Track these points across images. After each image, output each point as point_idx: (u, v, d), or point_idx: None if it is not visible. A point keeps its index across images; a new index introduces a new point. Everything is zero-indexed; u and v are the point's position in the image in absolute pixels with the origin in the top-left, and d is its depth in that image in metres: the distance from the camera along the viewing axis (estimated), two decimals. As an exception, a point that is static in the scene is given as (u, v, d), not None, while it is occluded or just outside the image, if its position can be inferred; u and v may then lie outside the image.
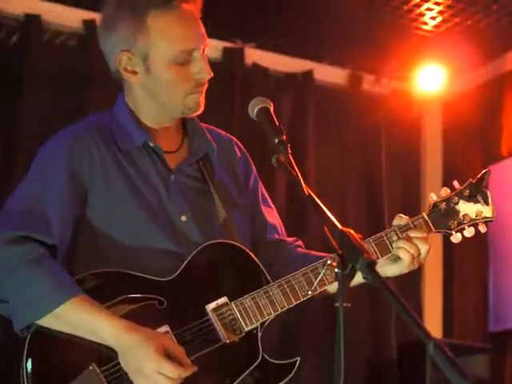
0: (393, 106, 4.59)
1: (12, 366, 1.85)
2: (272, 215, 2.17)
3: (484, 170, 2.08)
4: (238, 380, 1.88)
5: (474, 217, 2.05)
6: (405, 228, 1.98)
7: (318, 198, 1.66)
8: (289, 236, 2.21)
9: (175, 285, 1.89)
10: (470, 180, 2.09)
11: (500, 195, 4.31)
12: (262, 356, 1.89)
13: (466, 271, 4.48)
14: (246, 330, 1.87)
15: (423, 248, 1.95)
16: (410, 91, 4.63)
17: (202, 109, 2.01)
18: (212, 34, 4.52)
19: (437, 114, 4.81)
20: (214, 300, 1.87)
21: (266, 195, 2.19)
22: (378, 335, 4.29)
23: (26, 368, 1.78)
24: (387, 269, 1.96)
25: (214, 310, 1.87)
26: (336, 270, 1.46)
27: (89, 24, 3.88)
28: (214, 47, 4.16)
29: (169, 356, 1.78)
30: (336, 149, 4.48)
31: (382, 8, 3.95)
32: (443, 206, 2.03)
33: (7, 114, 3.70)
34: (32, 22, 3.77)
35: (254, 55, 4.27)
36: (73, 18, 3.88)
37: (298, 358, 1.92)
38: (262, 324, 1.91)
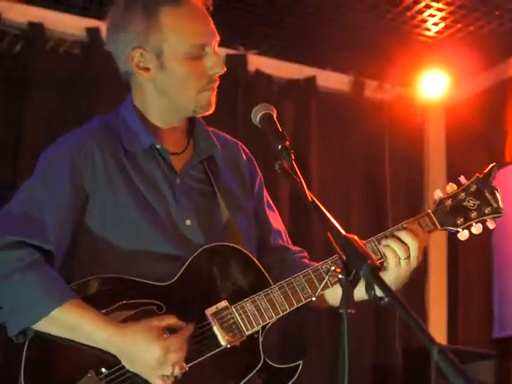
0: (396, 112, 4.59)
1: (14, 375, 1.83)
2: (276, 220, 2.16)
3: (491, 165, 2.02)
4: None
5: (482, 213, 1.99)
6: (394, 229, 1.93)
7: (322, 204, 1.66)
8: (292, 242, 2.20)
9: (174, 289, 1.87)
10: (477, 175, 2.02)
11: (504, 201, 4.31)
12: (264, 360, 1.88)
13: (471, 277, 4.48)
14: (247, 333, 1.85)
15: (412, 244, 1.88)
16: (413, 97, 4.63)
17: (213, 108, 2.00)
18: (215, 41, 4.52)
19: (440, 120, 4.81)
20: (214, 304, 1.86)
21: (270, 200, 2.18)
22: (383, 341, 4.29)
23: (24, 375, 1.77)
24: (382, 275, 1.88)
25: (214, 314, 1.85)
26: (340, 276, 1.46)
27: (92, 32, 3.89)
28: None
29: (165, 334, 1.77)
30: (339, 155, 4.48)
31: (384, 14, 3.95)
32: (449, 202, 1.99)
33: (11, 121, 3.70)
34: (35, 30, 3.78)
35: (256, 62, 4.28)
36: (76, 26, 3.90)
37: (301, 362, 1.90)
38: (264, 328, 1.89)
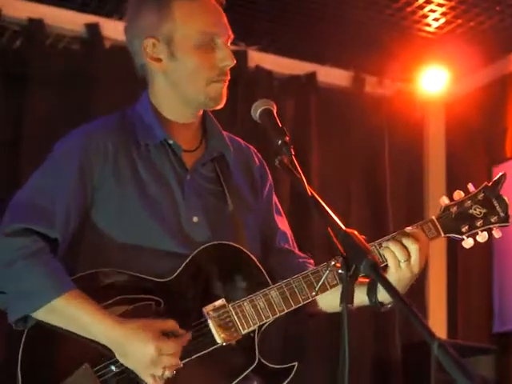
0: (396, 108, 4.59)
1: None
2: (284, 224, 2.16)
3: (500, 174, 1.99)
4: (234, 383, 1.86)
5: (488, 221, 1.97)
6: (396, 234, 1.94)
7: (322, 200, 1.66)
8: (295, 240, 2.20)
9: (174, 286, 1.87)
10: (485, 183, 2.01)
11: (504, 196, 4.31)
12: (259, 360, 1.88)
13: (470, 272, 4.48)
14: (243, 332, 1.85)
15: (412, 248, 1.88)
16: (413, 93, 4.62)
17: (223, 102, 2.01)
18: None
19: (440, 116, 4.80)
20: (212, 302, 1.86)
21: (279, 206, 2.18)
22: (383, 335, 4.29)
23: (20, 362, 1.78)
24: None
25: (211, 311, 1.85)
26: (340, 271, 1.46)
27: (91, 28, 3.89)
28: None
29: (163, 336, 1.78)
30: (339, 150, 4.48)
31: (384, 10, 3.95)
32: (454, 209, 1.97)
33: (11, 117, 3.70)
34: (35, 26, 3.78)
35: (257, 58, 4.28)
36: (76, 21, 3.89)
37: (296, 363, 1.91)
38: (260, 327, 1.89)
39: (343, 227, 1.52)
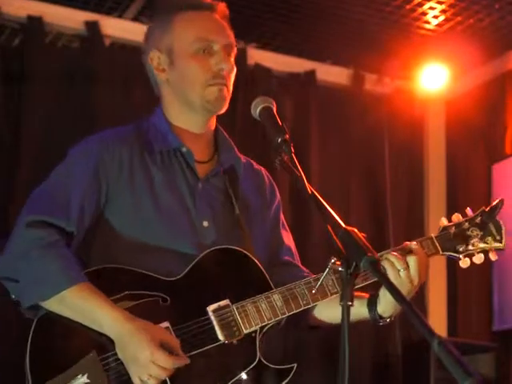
0: (395, 106, 4.59)
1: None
2: (289, 239, 2.23)
3: (497, 200, 2.09)
4: (233, 380, 1.91)
5: (485, 244, 2.05)
6: (395, 248, 2.01)
7: (321, 197, 1.66)
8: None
9: (180, 285, 1.93)
10: (483, 208, 2.09)
11: (503, 194, 4.31)
12: (259, 359, 1.93)
13: (470, 270, 4.46)
14: (245, 332, 1.91)
15: (411, 258, 1.95)
16: (413, 90, 4.62)
17: (225, 105, 2.08)
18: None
19: (440, 113, 4.80)
20: (217, 302, 1.92)
21: (285, 223, 2.25)
22: (382, 334, 4.29)
23: (29, 350, 1.85)
24: (383, 293, 1.96)
25: (215, 310, 1.91)
26: (340, 268, 1.46)
27: (91, 26, 3.88)
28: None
29: (163, 347, 1.82)
30: (339, 148, 4.48)
31: (384, 8, 3.95)
32: (453, 230, 2.06)
33: (10, 115, 3.70)
34: (34, 23, 3.77)
35: (256, 56, 4.27)
36: (75, 19, 3.89)
37: (295, 365, 1.96)
38: (262, 329, 1.95)
39: (343, 225, 1.52)
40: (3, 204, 3.58)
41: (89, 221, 1.98)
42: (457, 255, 2.05)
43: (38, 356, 1.86)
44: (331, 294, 1.97)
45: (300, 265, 2.20)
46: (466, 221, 2.08)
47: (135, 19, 4.03)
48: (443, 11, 3.98)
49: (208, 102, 2.05)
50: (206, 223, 2.03)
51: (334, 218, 1.55)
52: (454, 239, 2.05)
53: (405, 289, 1.91)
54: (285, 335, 2.07)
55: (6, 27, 3.86)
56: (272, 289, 1.97)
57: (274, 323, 1.96)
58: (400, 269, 1.92)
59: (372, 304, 1.98)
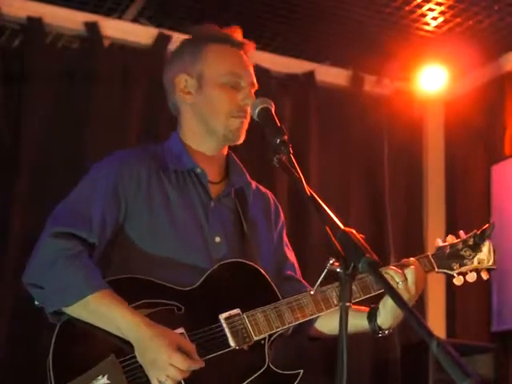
0: (395, 107, 4.59)
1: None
2: (292, 256, 2.36)
3: (488, 224, 2.26)
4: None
5: (477, 264, 2.22)
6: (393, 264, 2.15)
7: (320, 198, 1.66)
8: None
9: (194, 294, 2.06)
10: (475, 231, 2.25)
11: (503, 195, 4.31)
12: (268, 365, 2.05)
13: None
14: (255, 339, 2.03)
15: (408, 271, 2.09)
16: (412, 92, 4.62)
17: (242, 138, 2.22)
18: (214, 35, 4.48)
19: (439, 115, 4.80)
20: (228, 310, 2.04)
21: (288, 242, 2.38)
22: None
23: (52, 352, 1.96)
24: (383, 305, 2.11)
25: (227, 318, 2.03)
26: (338, 269, 1.46)
27: (91, 26, 3.89)
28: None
29: (180, 351, 1.93)
30: (338, 150, 4.48)
31: (383, 9, 3.95)
32: (447, 250, 2.22)
33: (10, 115, 3.70)
34: (34, 24, 3.78)
35: (255, 56, 4.22)
36: (75, 20, 3.89)
37: (301, 371, 2.08)
38: (270, 336, 2.07)
39: (341, 226, 1.52)
40: (3, 204, 3.58)
41: (109, 234, 2.11)
42: (451, 272, 2.21)
43: (61, 358, 1.96)
44: (335, 306, 2.08)
45: (302, 279, 2.32)
46: (459, 242, 2.23)
47: (134, 20, 4.04)
48: (442, 13, 3.99)
49: (230, 131, 2.18)
50: (218, 239, 2.16)
51: (332, 219, 1.57)
52: (448, 258, 2.21)
53: (405, 297, 2.05)
54: (287, 342, 2.17)
55: (5, 28, 3.86)
56: (279, 299, 2.10)
57: (281, 331, 2.09)
58: (399, 281, 2.06)
59: (372, 316, 2.13)
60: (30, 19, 3.78)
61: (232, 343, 2.01)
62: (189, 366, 1.92)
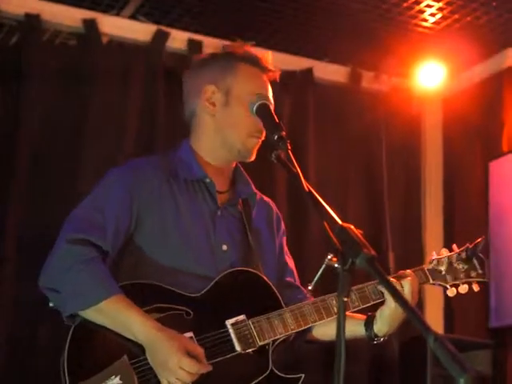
0: (393, 103, 4.59)
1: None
2: (291, 263, 2.47)
3: (480, 238, 2.38)
4: None
5: (469, 276, 2.36)
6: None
7: (319, 194, 1.66)
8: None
9: (202, 301, 2.15)
10: (467, 245, 2.38)
11: (500, 191, 4.31)
12: (271, 369, 2.15)
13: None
14: (260, 344, 2.13)
15: (404, 281, 2.21)
16: (410, 88, 4.62)
17: (254, 157, 2.30)
18: (212, 32, 4.55)
19: (437, 111, 4.81)
20: (234, 316, 2.14)
21: (287, 249, 2.48)
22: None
23: (67, 353, 2.03)
24: (380, 313, 2.23)
25: (233, 324, 2.13)
26: (336, 265, 1.47)
27: (88, 23, 3.88)
28: (214, 45, 4.16)
29: (189, 355, 2.02)
30: (336, 146, 4.48)
31: (381, 5, 3.95)
32: (442, 262, 2.35)
33: (7, 112, 3.70)
34: (32, 21, 3.77)
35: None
36: (73, 17, 3.89)
37: (303, 375, 2.19)
38: (274, 342, 2.18)
39: (339, 221, 1.52)
40: (1, 201, 3.58)
41: (121, 242, 2.18)
42: (445, 284, 2.34)
43: (75, 359, 2.03)
44: (335, 314, 2.16)
45: (300, 286, 2.43)
46: (452, 255, 2.36)
47: (133, 17, 4.03)
48: (440, 9, 3.99)
49: (246, 149, 2.26)
50: (224, 247, 2.25)
51: (330, 214, 1.57)
52: (442, 271, 2.34)
53: (400, 309, 2.13)
54: (286, 346, 2.26)
55: (3, 25, 3.85)
56: (283, 306, 2.21)
57: (284, 337, 2.20)
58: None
59: (369, 323, 2.26)
60: (27, 16, 3.77)
61: (238, 348, 2.11)
62: (198, 370, 2.01)
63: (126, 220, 2.18)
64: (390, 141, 4.58)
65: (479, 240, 2.38)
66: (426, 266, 2.35)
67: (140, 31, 4.03)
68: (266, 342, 2.15)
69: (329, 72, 4.51)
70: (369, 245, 1.47)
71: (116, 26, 4.00)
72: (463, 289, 2.35)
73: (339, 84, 4.53)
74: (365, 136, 4.53)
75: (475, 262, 2.37)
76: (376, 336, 2.26)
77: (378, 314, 2.24)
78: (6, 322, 3.49)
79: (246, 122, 2.23)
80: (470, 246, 2.37)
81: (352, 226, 1.50)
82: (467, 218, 4.54)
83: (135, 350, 2.06)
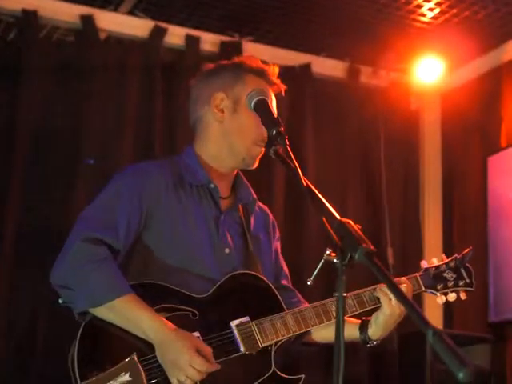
0: (391, 98, 4.59)
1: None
2: (285, 267, 2.56)
3: (468, 249, 2.52)
4: None
5: (457, 285, 2.48)
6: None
7: (317, 190, 1.66)
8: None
9: (207, 302, 2.22)
10: (456, 255, 2.51)
11: (499, 186, 4.31)
12: (274, 369, 2.22)
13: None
14: (263, 345, 2.19)
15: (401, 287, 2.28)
16: (409, 83, 4.62)
17: (256, 165, 2.37)
18: (209, 27, 4.54)
19: (435, 106, 4.80)
20: (238, 318, 2.20)
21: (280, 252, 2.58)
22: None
23: (77, 350, 2.07)
24: (375, 318, 2.31)
25: (237, 325, 2.19)
26: (335, 260, 1.47)
27: (86, 19, 3.88)
28: (212, 41, 4.16)
29: (199, 353, 2.07)
30: (334, 141, 4.48)
31: (379, 0, 3.94)
32: (432, 270, 2.46)
33: (5, 108, 3.70)
34: (29, 17, 3.77)
35: (251, 49, 4.27)
36: (70, 13, 3.88)
37: (303, 376, 2.26)
38: (276, 343, 2.23)
39: (338, 217, 1.52)
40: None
41: (131, 241, 2.24)
42: (435, 292, 2.46)
43: (85, 355, 2.07)
44: (334, 318, 2.18)
45: (294, 289, 2.53)
46: (442, 264, 2.48)
47: (130, 13, 4.03)
48: (438, 4, 3.98)
49: (251, 157, 2.33)
50: (227, 250, 2.32)
51: (328, 209, 1.57)
52: (433, 279, 2.46)
53: (396, 313, 2.27)
54: (286, 348, 2.36)
55: (0, 21, 3.85)
56: (283, 308, 2.29)
57: (286, 339, 2.26)
58: (391, 297, 2.26)
59: (364, 327, 2.34)
60: (24, 12, 3.77)
61: (242, 348, 2.17)
62: (207, 368, 2.07)
63: (136, 220, 2.24)
64: (388, 136, 4.58)
65: (467, 251, 2.51)
66: (419, 274, 2.46)
67: (137, 27, 4.03)
68: (269, 343, 2.21)
69: (327, 67, 4.51)
70: (368, 240, 1.47)
71: (113, 22, 3.99)
72: (451, 297, 2.47)
73: (337, 79, 4.53)
74: (363, 131, 4.53)
75: (463, 271, 2.49)
76: (370, 339, 2.33)
77: (372, 318, 2.32)
78: (3, 320, 3.49)
79: (253, 131, 2.30)
80: (459, 257, 2.50)
81: (351, 221, 1.50)
82: (466, 212, 4.54)
83: (144, 348, 2.11)
